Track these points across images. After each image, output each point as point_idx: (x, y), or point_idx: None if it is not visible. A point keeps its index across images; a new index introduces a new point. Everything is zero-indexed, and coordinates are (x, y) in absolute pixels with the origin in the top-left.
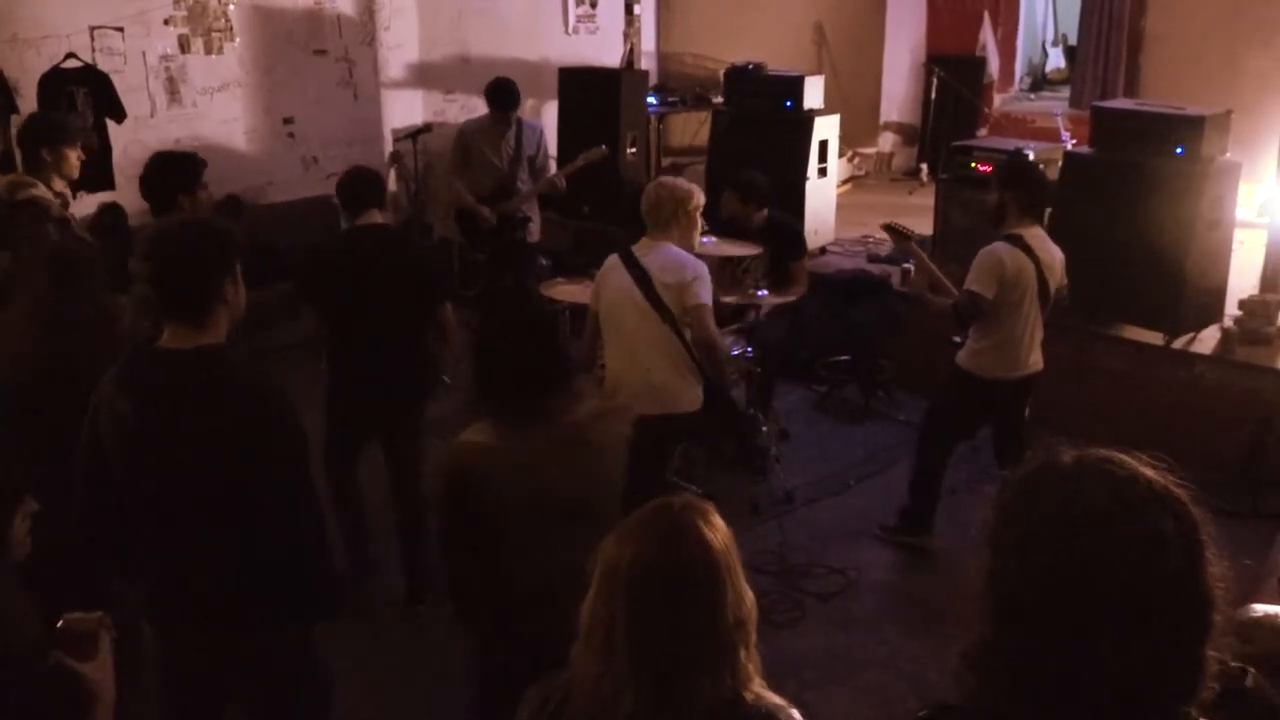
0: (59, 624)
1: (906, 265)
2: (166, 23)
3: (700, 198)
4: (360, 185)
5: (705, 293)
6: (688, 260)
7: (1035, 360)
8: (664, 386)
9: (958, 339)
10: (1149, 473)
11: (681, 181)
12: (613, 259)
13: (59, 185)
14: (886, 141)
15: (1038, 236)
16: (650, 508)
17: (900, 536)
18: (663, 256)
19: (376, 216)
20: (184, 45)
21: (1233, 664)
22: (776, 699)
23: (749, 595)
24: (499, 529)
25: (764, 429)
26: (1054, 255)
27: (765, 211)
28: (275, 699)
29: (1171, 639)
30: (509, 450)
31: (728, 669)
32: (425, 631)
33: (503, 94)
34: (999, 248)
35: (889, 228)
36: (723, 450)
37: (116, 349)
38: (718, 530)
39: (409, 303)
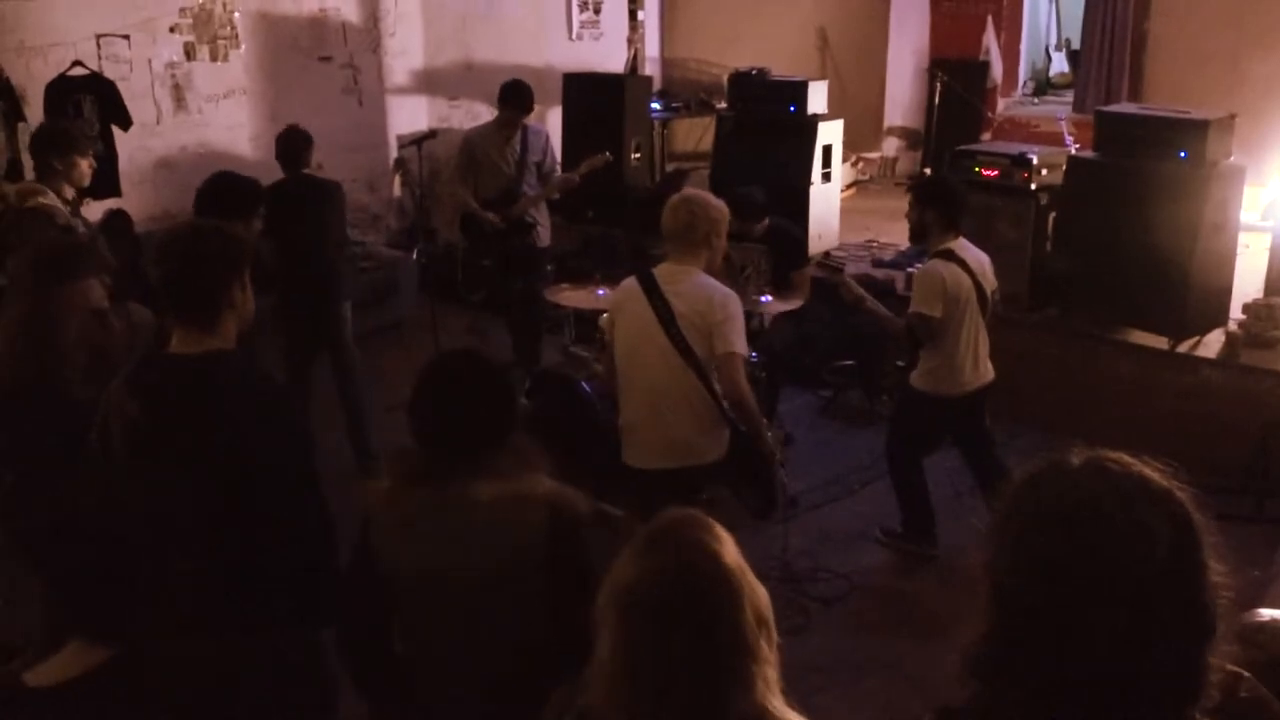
0: None
1: (910, 270)
2: (172, 30)
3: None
4: (298, 145)
5: (738, 338)
6: (718, 294)
7: (985, 371)
8: (684, 441)
9: (902, 363)
10: (1149, 473)
11: (712, 199)
12: (632, 285)
13: (70, 193)
14: (890, 146)
15: (964, 247)
16: (648, 531)
17: (902, 544)
18: (691, 288)
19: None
20: (189, 52)
21: (1229, 669)
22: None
23: (762, 591)
24: (387, 586)
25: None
26: (983, 261)
27: (766, 220)
28: (280, 704)
29: (1169, 640)
30: (390, 506)
31: (759, 676)
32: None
33: (516, 94)
34: (936, 265)
35: (823, 264)
36: (740, 495)
37: (110, 355)
38: (720, 538)
39: (329, 230)
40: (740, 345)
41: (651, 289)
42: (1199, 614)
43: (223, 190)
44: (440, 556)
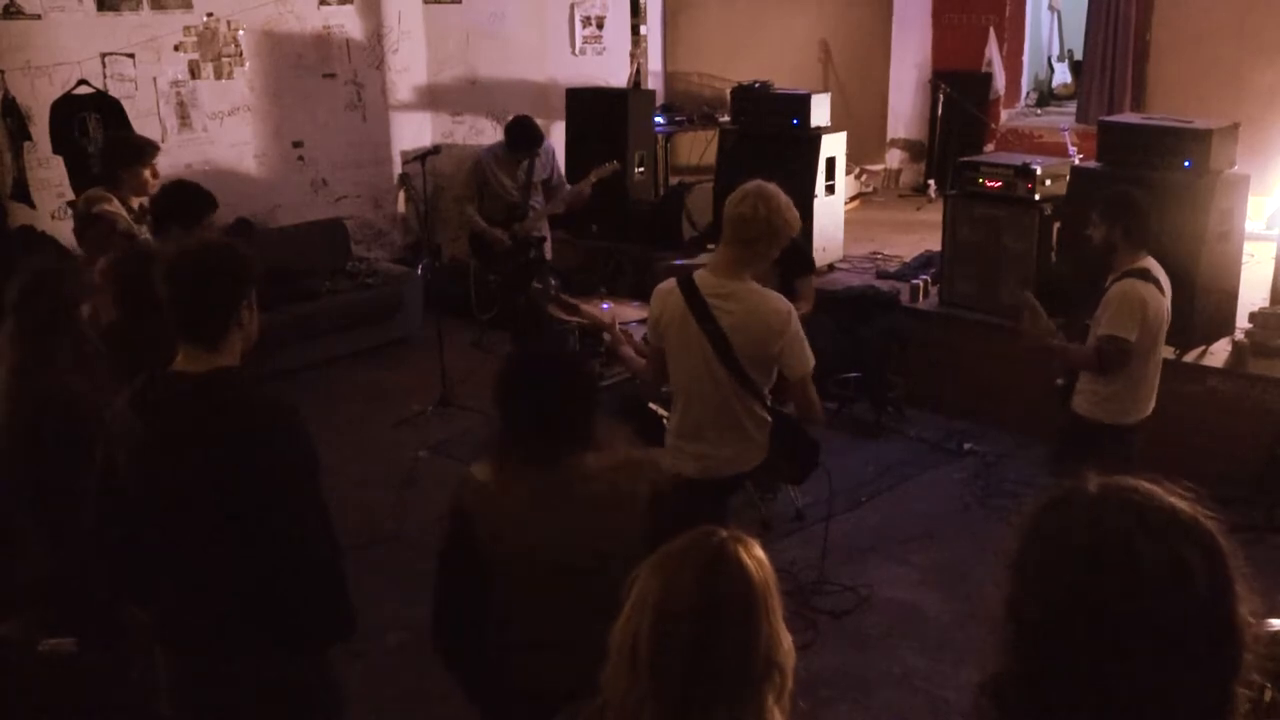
0: (39, 649)
1: (915, 281)
2: (177, 49)
3: None
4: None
5: (804, 354)
6: (773, 317)
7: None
8: (737, 456)
9: (1061, 381)
10: (1175, 501)
11: (786, 200)
12: (676, 302)
13: (136, 201)
14: (894, 158)
15: (1156, 266)
16: (692, 535)
17: None
18: (743, 313)
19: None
20: (194, 71)
21: (1253, 679)
22: None
23: (787, 639)
24: (491, 573)
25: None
26: (1168, 284)
27: None
28: None
29: (1198, 672)
30: (503, 493)
31: (751, 710)
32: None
33: (522, 134)
34: (1138, 286)
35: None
36: (779, 471)
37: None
38: (760, 564)
39: None
40: (808, 361)
41: (702, 314)
42: (1231, 645)
43: (174, 197)
44: (564, 536)
